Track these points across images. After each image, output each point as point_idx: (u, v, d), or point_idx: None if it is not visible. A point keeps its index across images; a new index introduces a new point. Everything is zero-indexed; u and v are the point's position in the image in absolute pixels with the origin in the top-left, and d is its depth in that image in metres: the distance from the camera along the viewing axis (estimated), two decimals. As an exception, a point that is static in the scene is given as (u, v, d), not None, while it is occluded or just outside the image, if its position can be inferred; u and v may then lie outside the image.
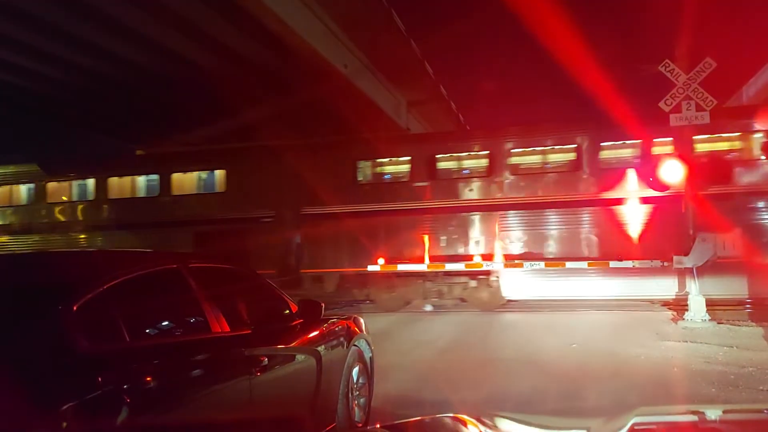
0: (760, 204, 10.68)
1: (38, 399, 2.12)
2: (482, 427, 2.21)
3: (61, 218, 14.70)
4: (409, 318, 10.85)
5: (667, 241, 10.25)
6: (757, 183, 10.68)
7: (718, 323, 8.81)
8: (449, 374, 6.50)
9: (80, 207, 14.69)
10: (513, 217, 11.86)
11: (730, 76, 14.48)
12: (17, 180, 15.07)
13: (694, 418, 2.50)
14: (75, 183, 14.85)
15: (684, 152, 9.47)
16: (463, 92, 20.32)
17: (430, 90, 19.96)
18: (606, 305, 10.85)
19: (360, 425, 4.31)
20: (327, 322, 4.23)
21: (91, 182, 14.59)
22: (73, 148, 20.47)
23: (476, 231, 12.01)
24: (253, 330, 3.36)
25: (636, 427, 2.05)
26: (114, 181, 14.49)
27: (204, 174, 14.26)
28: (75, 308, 2.46)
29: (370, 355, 4.77)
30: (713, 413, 2.70)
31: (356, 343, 4.47)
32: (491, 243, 11.81)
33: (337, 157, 12.97)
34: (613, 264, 10.74)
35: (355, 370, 4.38)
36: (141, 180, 14.56)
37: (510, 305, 11.46)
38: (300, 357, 3.81)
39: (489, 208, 11.92)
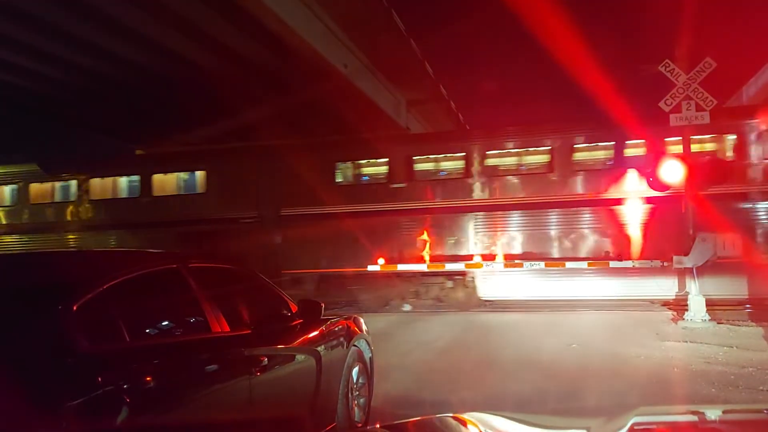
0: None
1: (38, 399, 2.12)
2: (482, 427, 2.21)
3: (44, 219, 14.76)
4: (408, 318, 10.85)
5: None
6: (743, 183, 10.67)
7: (718, 323, 8.81)
8: (449, 374, 6.50)
9: (62, 208, 14.74)
10: (489, 218, 11.97)
11: (730, 76, 14.48)
12: (2, 181, 15.14)
13: (694, 418, 2.49)
14: (58, 184, 14.92)
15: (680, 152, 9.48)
16: (463, 92, 20.31)
17: (430, 90, 19.96)
18: (605, 305, 10.84)
19: (360, 425, 4.31)
20: (327, 322, 4.23)
21: (73, 183, 14.68)
22: (73, 148, 20.46)
23: (454, 232, 12.08)
24: (253, 330, 3.36)
25: (636, 427, 2.05)
26: (96, 182, 14.58)
27: (185, 175, 14.34)
28: (75, 308, 2.46)
29: (370, 355, 4.77)
30: (713, 413, 2.70)
31: (356, 343, 4.47)
32: (468, 244, 11.90)
33: (317, 159, 13.04)
34: (609, 264, 10.78)
35: (355, 370, 4.38)
36: (123, 181, 14.64)
37: (510, 305, 11.46)
38: (300, 357, 3.81)
39: (465, 210, 12.01)
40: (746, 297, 10.26)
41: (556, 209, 11.62)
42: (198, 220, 13.32)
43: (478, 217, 12.03)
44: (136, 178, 14.35)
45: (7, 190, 15.13)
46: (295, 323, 3.88)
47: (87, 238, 14.14)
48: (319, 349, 3.91)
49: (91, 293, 2.59)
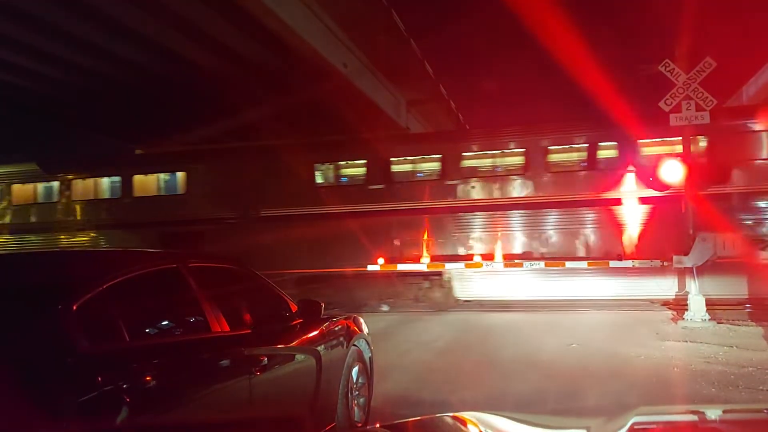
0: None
1: (38, 399, 2.12)
2: (482, 427, 2.21)
3: (26, 220, 14.81)
4: (408, 318, 10.85)
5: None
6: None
7: (718, 323, 8.81)
8: (448, 374, 6.50)
9: (45, 209, 14.79)
10: (467, 219, 12.03)
11: (731, 76, 14.48)
12: None
13: (694, 417, 2.49)
14: (41, 185, 14.96)
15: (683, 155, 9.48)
16: (463, 92, 20.32)
17: (430, 90, 19.95)
18: (605, 305, 10.84)
19: (360, 425, 4.31)
20: (327, 322, 4.23)
21: (56, 184, 14.72)
22: (73, 148, 20.45)
23: (432, 232, 12.11)
24: (252, 330, 3.36)
25: (636, 427, 2.05)
26: (78, 183, 14.63)
27: (166, 176, 14.39)
28: (75, 308, 2.46)
29: (370, 354, 4.78)
30: (713, 413, 2.70)
31: (356, 343, 4.47)
32: (445, 244, 11.97)
33: (296, 160, 13.07)
34: (609, 263, 10.79)
35: (355, 370, 4.39)
36: (104, 181, 14.68)
37: (510, 306, 11.46)
38: (300, 357, 3.81)
39: (443, 211, 12.06)
40: (746, 297, 10.25)
41: (530, 210, 11.76)
42: (177, 221, 13.41)
43: (455, 217, 12.09)
44: (117, 179, 14.43)
45: None
46: (294, 323, 3.88)
47: (68, 238, 14.22)
48: (318, 348, 3.91)
49: (91, 293, 2.59)
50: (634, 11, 13.54)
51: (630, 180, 11.22)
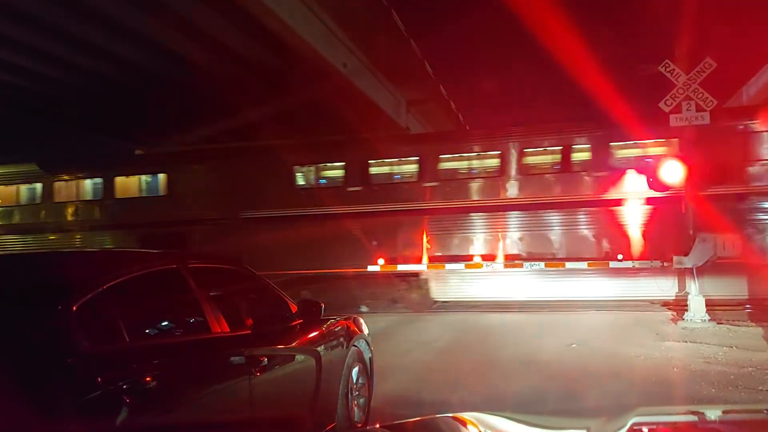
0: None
1: (38, 399, 2.13)
2: (482, 427, 2.21)
3: (8, 221, 14.92)
4: (407, 318, 10.86)
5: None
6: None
7: (718, 323, 8.82)
8: (448, 375, 6.51)
9: (27, 210, 14.87)
10: (442, 221, 12.03)
11: (731, 76, 14.49)
12: None
13: (693, 418, 2.50)
14: (24, 187, 15.03)
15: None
16: (463, 92, 20.33)
17: (430, 90, 19.94)
18: (606, 306, 10.84)
19: (360, 425, 4.31)
20: (326, 323, 4.23)
21: (38, 186, 14.80)
22: (73, 148, 20.42)
23: (409, 234, 12.12)
24: (252, 330, 3.36)
25: (635, 427, 2.05)
26: (61, 185, 14.71)
27: (148, 178, 14.48)
28: (75, 308, 2.46)
29: (370, 355, 4.78)
30: (713, 413, 2.70)
31: (356, 344, 4.48)
32: (421, 246, 11.97)
33: (275, 162, 13.16)
34: (609, 264, 10.78)
35: (355, 371, 4.39)
36: (87, 183, 14.74)
37: (510, 306, 11.46)
38: (300, 357, 3.82)
39: (419, 213, 12.07)
40: (746, 297, 10.25)
41: (508, 212, 11.84)
42: (158, 222, 13.46)
43: (431, 219, 12.10)
44: (99, 180, 14.50)
45: None
46: (294, 323, 3.88)
47: (50, 239, 14.30)
48: (318, 349, 3.92)
49: (91, 293, 2.59)
50: (633, 11, 13.55)
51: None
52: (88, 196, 14.68)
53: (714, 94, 9.33)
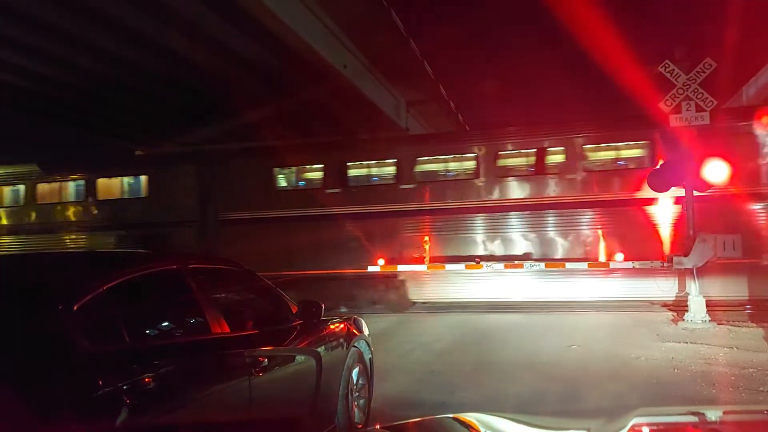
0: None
1: (38, 399, 2.12)
2: (482, 428, 2.21)
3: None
4: (407, 319, 10.87)
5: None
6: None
7: (719, 324, 8.81)
8: (448, 376, 6.50)
9: (9, 212, 14.96)
10: (417, 222, 12.12)
11: (730, 76, 14.46)
12: None
13: (694, 419, 2.49)
14: (8, 189, 15.10)
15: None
16: (463, 92, 20.29)
17: (430, 90, 19.92)
18: (606, 306, 10.84)
19: (360, 426, 4.31)
20: (327, 324, 4.23)
21: (21, 188, 14.87)
22: (73, 148, 20.44)
23: (387, 235, 12.18)
24: (253, 331, 3.36)
25: (636, 428, 2.05)
26: (44, 187, 14.78)
27: (130, 179, 14.58)
28: (75, 308, 2.46)
29: (370, 356, 4.78)
30: (713, 414, 2.70)
31: (356, 344, 4.47)
32: (399, 247, 12.07)
33: (254, 164, 13.28)
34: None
35: (355, 371, 4.39)
36: (70, 185, 14.79)
37: (510, 306, 11.46)
38: (300, 358, 3.81)
39: (398, 215, 12.16)
40: (746, 298, 10.25)
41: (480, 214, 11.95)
42: (138, 224, 13.58)
43: (409, 221, 12.17)
44: (81, 182, 14.57)
45: None
46: (295, 324, 3.88)
47: (32, 241, 14.34)
48: (319, 350, 3.91)
49: (92, 294, 2.59)
50: (634, 12, 13.52)
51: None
52: (71, 198, 14.77)
53: (714, 94, 9.32)
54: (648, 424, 2.23)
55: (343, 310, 11.50)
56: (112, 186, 14.55)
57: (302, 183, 13.88)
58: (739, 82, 17.13)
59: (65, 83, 15.95)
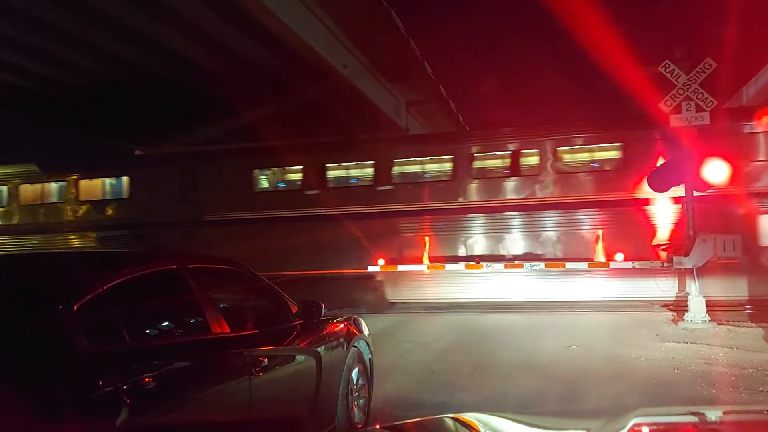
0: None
1: (38, 399, 2.12)
2: (482, 428, 2.21)
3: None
4: (407, 319, 10.86)
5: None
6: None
7: (719, 324, 8.81)
8: (448, 376, 6.50)
9: None
10: (398, 223, 12.16)
11: (730, 76, 14.46)
12: None
13: (694, 419, 2.50)
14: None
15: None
16: (463, 92, 20.32)
17: (430, 90, 19.93)
18: (606, 306, 10.84)
19: (360, 426, 4.31)
20: (327, 323, 4.23)
21: (4, 189, 14.91)
22: (73, 148, 20.45)
23: (369, 236, 12.10)
24: (252, 331, 3.36)
25: (636, 428, 2.05)
26: (27, 188, 14.80)
27: (112, 180, 14.63)
28: (75, 308, 2.46)
29: (370, 356, 4.78)
30: (713, 414, 2.70)
31: (356, 344, 4.47)
32: (378, 247, 12.03)
33: (234, 166, 13.31)
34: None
35: (355, 371, 4.39)
36: (52, 186, 14.82)
37: (510, 306, 11.46)
38: (300, 358, 3.81)
39: (378, 216, 12.15)
40: (746, 298, 10.25)
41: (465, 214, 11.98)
42: (119, 224, 13.65)
43: (389, 222, 12.17)
44: (63, 183, 14.59)
45: None
46: (295, 324, 3.88)
47: (14, 241, 14.39)
48: (319, 349, 3.91)
49: (92, 293, 2.59)
50: (634, 12, 13.53)
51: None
52: (53, 198, 14.79)
53: (714, 94, 9.33)
54: (648, 425, 2.23)
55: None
56: (94, 187, 14.58)
57: (282, 185, 13.96)
58: (739, 82, 17.14)
59: (65, 83, 15.94)
